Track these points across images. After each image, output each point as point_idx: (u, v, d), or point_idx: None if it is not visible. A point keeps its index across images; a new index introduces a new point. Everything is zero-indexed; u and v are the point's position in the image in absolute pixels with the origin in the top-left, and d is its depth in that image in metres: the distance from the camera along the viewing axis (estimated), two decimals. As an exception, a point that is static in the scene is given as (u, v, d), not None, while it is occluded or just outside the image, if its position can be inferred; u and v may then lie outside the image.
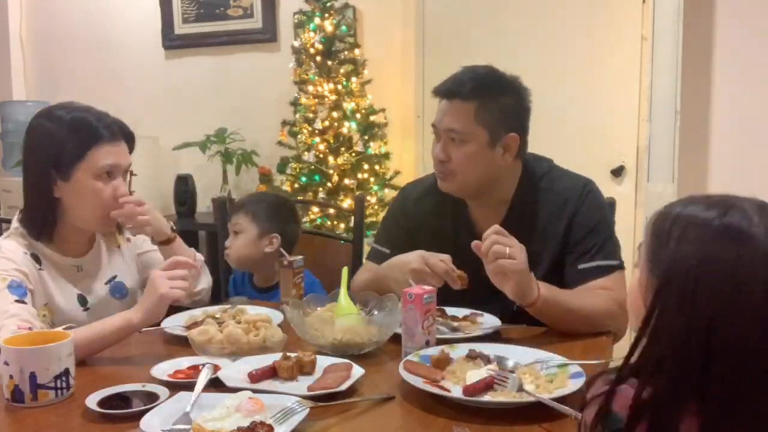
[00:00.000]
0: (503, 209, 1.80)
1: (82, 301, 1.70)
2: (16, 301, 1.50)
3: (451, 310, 1.73)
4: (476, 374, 1.30)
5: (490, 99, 1.71)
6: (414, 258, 1.64)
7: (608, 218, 1.79)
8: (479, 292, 1.61)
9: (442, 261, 1.61)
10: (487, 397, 1.23)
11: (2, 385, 1.27)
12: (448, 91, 1.73)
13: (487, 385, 1.25)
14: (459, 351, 1.44)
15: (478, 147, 1.71)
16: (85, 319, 1.68)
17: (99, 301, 1.73)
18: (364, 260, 2.03)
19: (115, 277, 1.79)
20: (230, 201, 2.45)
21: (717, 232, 0.89)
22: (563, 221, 1.74)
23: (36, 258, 1.64)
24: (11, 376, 1.25)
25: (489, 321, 1.67)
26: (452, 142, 1.73)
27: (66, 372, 1.27)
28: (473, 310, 1.72)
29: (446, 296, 1.64)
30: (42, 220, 1.65)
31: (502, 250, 1.50)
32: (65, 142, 1.62)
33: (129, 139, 1.71)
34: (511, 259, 1.50)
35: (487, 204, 1.81)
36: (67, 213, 1.66)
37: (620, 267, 1.72)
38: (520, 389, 1.22)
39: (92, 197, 1.63)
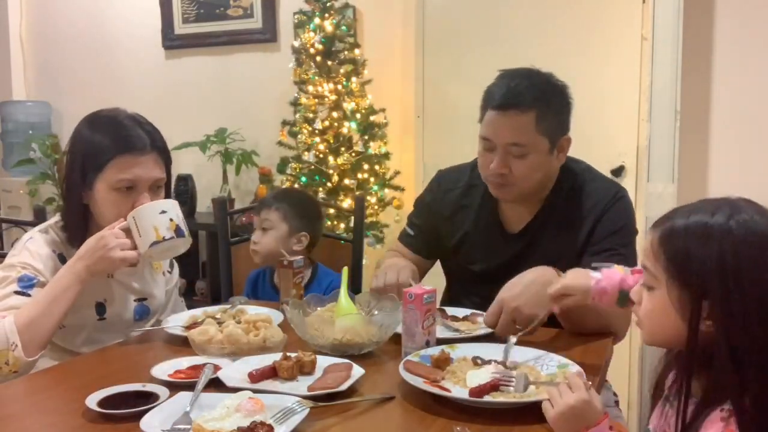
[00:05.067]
0: (535, 208, 1.80)
1: (100, 309, 1.69)
2: (16, 292, 1.54)
3: (451, 310, 1.73)
4: (476, 374, 1.30)
5: (546, 106, 1.67)
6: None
7: (633, 227, 1.78)
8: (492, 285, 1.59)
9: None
10: (488, 398, 1.23)
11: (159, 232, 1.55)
12: (507, 104, 1.66)
13: (493, 387, 1.25)
14: (459, 351, 1.44)
15: (540, 156, 1.68)
16: (95, 328, 1.68)
17: (118, 315, 1.72)
18: (390, 248, 2.08)
19: (146, 299, 1.78)
20: (230, 201, 2.45)
21: (740, 231, 0.99)
22: (590, 220, 1.74)
23: (62, 258, 1.64)
24: (171, 219, 1.56)
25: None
26: (512, 154, 1.67)
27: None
28: (473, 310, 1.72)
29: (455, 296, 1.64)
30: (75, 226, 1.66)
31: None
32: (92, 149, 1.60)
33: (161, 152, 1.67)
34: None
35: (521, 203, 1.80)
36: (94, 220, 1.66)
37: None
38: (527, 388, 1.22)
39: (108, 209, 1.62)
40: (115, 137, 1.60)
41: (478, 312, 1.71)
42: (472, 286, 1.85)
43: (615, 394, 1.88)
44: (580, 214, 1.75)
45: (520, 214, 1.81)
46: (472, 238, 1.86)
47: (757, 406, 0.94)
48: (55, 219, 1.70)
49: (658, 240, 1.05)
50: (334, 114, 3.28)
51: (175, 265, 1.94)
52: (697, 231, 1.01)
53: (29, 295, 1.54)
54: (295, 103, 3.41)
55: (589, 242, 1.73)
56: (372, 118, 3.36)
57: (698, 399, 1.01)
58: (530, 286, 1.50)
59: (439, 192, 1.95)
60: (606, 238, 1.71)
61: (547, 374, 1.32)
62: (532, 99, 1.65)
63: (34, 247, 1.61)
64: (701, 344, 1.00)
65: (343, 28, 3.39)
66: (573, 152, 1.87)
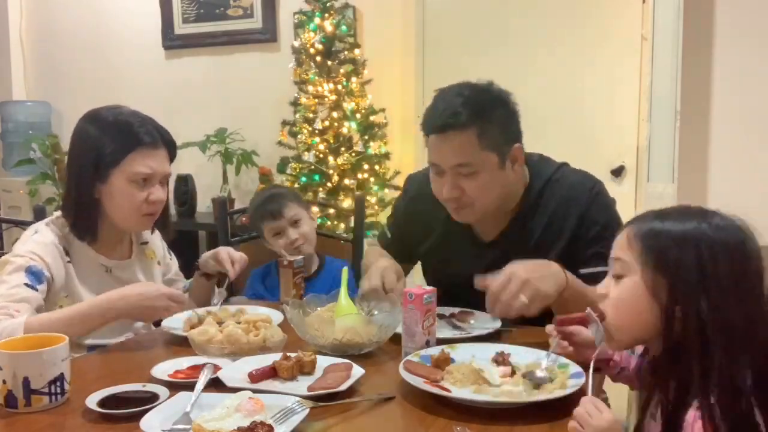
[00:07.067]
0: (507, 217, 1.75)
1: None
2: (26, 285, 1.54)
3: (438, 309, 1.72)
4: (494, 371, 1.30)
5: (486, 120, 1.60)
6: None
7: (613, 220, 1.70)
8: (472, 292, 1.59)
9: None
10: (488, 398, 1.23)
11: None
12: (444, 125, 1.59)
13: (582, 319, 1.23)
14: (459, 351, 1.44)
15: (491, 172, 1.62)
16: None
17: None
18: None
19: None
20: (230, 201, 2.46)
21: (716, 221, 1.05)
22: (572, 218, 1.69)
23: (66, 251, 1.66)
24: (4, 381, 1.21)
25: (481, 318, 1.68)
26: (461, 175, 1.62)
27: (61, 377, 1.24)
28: (461, 308, 1.72)
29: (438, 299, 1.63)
30: (85, 221, 1.68)
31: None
32: (105, 145, 1.65)
33: (170, 147, 1.74)
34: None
35: (490, 216, 1.74)
36: (105, 213, 1.69)
37: None
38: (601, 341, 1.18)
39: (126, 201, 1.67)
40: (130, 132, 1.66)
41: (467, 310, 1.71)
42: (453, 291, 1.82)
43: (603, 391, 1.87)
44: (559, 210, 1.70)
45: (491, 224, 1.76)
46: (445, 247, 1.82)
47: (724, 390, 0.97)
48: (54, 216, 1.71)
49: (634, 230, 1.10)
50: (334, 114, 3.28)
51: (172, 256, 1.99)
52: (675, 219, 1.08)
53: (37, 290, 1.55)
54: (295, 103, 3.41)
55: (579, 239, 1.68)
56: (372, 118, 3.36)
57: (673, 398, 1.03)
58: (539, 267, 1.50)
59: (406, 199, 1.94)
60: (591, 243, 1.66)
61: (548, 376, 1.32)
62: (468, 116, 1.57)
63: (41, 239, 1.63)
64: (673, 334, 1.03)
65: (343, 28, 3.39)
66: (573, 152, 1.86)
